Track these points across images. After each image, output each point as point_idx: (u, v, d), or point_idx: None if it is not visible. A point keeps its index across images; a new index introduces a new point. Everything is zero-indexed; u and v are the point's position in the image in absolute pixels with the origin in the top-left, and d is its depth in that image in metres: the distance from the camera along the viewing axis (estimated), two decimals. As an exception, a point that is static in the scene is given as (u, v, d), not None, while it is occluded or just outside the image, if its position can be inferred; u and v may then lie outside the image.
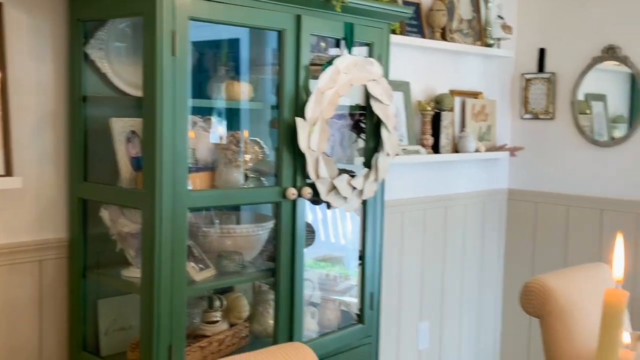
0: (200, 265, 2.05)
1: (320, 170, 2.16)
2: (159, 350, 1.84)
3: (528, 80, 3.79)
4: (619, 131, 3.58)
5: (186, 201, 1.89)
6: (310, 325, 2.39)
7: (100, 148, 2.10)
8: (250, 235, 2.21)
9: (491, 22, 3.55)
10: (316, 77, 2.15)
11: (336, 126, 2.65)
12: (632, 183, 3.45)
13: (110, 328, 2.21)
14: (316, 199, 2.25)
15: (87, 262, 2.13)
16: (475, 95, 3.61)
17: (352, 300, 2.59)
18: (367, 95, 2.34)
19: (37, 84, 2.07)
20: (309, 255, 2.61)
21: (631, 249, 3.30)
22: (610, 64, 3.56)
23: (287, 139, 2.11)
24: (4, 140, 1.95)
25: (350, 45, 2.26)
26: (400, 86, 3.15)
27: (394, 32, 2.74)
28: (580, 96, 3.66)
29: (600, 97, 3.70)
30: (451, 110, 3.37)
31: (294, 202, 2.16)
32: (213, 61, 2.26)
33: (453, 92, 3.46)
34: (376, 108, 2.34)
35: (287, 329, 2.18)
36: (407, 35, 3.10)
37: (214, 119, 2.22)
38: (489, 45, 3.55)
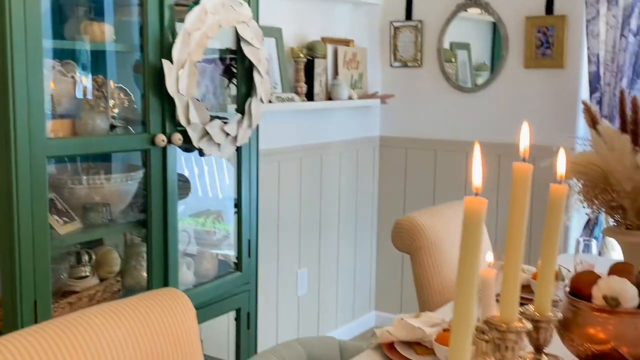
0: (65, 219, 1.94)
1: (191, 115, 2.09)
2: (23, 306, 1.74)
3: (396, 28, 3.86)
4: (482, 78, 3.75)
5: (45, 150, 1.77)
6: (186, 276, 2.34)
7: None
8: (117, 186, 2.12)
9: (361, -31, 3.56)
10: (182, 20, 2.06)
11: (207, 72, 2.57)
12: (494, 126, 3.63)
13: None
14: (188, 146, 2.18)
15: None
16: (346, 42, 3.63)
17: (231, 253, 2.57)
18: (238, 39, 2.28)
19: None
20: (186, 211, 2.55)
21: (493, 186, 3.50)
22: (474, 13, 3.70)
23: (154, 83, 2.02)
24: None
25: (217, -15, 2.18)
26: (273, 32, 3.10)
27: (263, -25, 2.67)
28: (446, 45, 3.78)
29: (465, 46, 3.84)
30: (324, 57, 3.37)
31: (164, 150, 2.08)
32: (71, 0, 2.11)
33: (325, 40, 3.46)
34: (247, 51, 2.29)
35: (161, 282, 2.12)
36: (277, -21, 3.06)
37: (74, 63, 2.08)
38: (359, -7, 3.58)
